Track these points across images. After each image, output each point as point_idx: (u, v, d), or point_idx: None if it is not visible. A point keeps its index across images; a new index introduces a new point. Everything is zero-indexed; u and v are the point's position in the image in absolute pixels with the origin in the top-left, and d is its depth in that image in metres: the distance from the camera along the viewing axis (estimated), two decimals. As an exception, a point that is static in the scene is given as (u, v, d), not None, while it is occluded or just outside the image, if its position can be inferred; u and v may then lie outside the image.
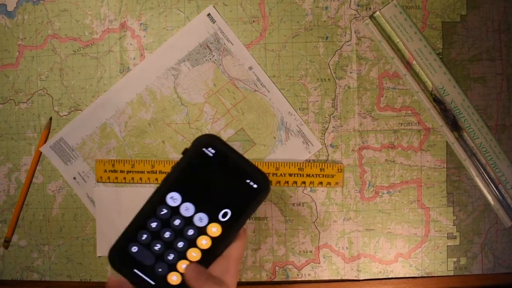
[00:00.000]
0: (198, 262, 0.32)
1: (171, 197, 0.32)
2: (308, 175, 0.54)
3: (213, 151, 0.31)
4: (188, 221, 0.32)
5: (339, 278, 0.55)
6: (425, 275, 0.55)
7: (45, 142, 0.56)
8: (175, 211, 0.32)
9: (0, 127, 0.57)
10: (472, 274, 0.55)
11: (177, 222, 0.32)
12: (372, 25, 0.53)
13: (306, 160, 0.54)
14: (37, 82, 0.56)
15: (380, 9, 0.53)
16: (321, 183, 0.54)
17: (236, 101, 0.54)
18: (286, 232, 0.55)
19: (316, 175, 0.54)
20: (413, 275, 0.55)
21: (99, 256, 0.56)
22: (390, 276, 0.55)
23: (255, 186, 0.31)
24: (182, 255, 0.32)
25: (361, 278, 0.55)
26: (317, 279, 0.55)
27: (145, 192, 0.55)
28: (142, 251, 0.32)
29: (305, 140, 0.54)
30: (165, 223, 0.32)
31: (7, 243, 0.57)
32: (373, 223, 0.54)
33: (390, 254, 0.55)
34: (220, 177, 0.31)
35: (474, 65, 0.53)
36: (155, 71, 0.54)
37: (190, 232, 0.32)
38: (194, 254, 0.32)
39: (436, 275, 0.55)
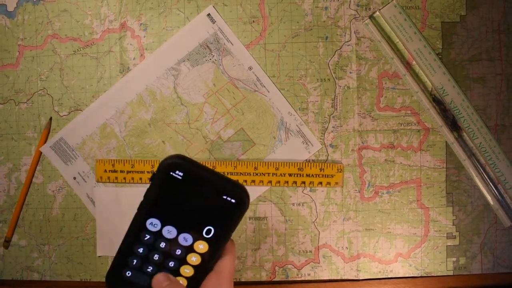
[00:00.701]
0: (192, 277, 0.32)
1: (151, 223, 0.31)
2: (307, 175, 0.54)
3: (180, 173, 0.30)
4: (173, 243, 0.31)
5: (338, 278, 0.55)
6: (425, 275, 0.55)
7: (45, 142, 0.56)
8: (158, 235, 0.31)
9: (0, 127, 0.57)
10: (472, 274, 0.55)
11: (162, 245, 0.31)
12: (372, 25, 0.53)
13: (306, 160, 0.54)
14: (37, 82, 0.56)
15: (379, 9, 0.53)
16: (320, 183, 0.54)
17: (236, 101, 0.54)
18: (286, 232, 0.55)
19: (316, 175, 0.54)
20: (412, 275, 0.55)
21: (99, 256, 0.56)
22: (389, 276, 0.55)
23: (233, 201, 0.30)
24: (175, 273, 0.32)
25: (360, 278, 0.55)
26: (317, 279, 0.55)
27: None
28: (136, 274, 0.32)
29: (304, 140, 0.54)
30: (151, 247, 0.32)
31: (7, 243, 0.57)
32: (373, 223, 0.55)
33: (390, 254, 0.55)
34: (195, 198, 0.30)
35: (473, 65, 0.53)
36: (155, 71, 0.54)
37: (178, 252, 0.32)
38: (187, 271, 0.32)
39: (435, 275, 0.55)
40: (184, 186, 0.30)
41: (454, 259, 0.55)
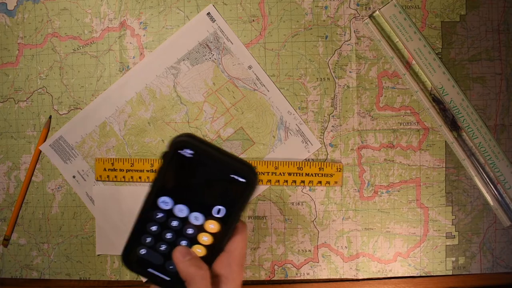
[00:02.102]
0: (204, 257, 0.32)
1: (163, 201, 0.31)
2: (307, 174, 0.54)
3: (190, 151, 0.30)
4: (184, 221, 0.32)
5: (338, 277, 0.55)
6: (424, 275, 0.55)
7: (44, 140, 0.56)
8: (169, 213, 0.32)
9: (0, 126, 0.57)
10: (471, 274, 0.55)
11: (174, 223, 0.32)
12: (372, 24, 0.53)
13: (305, 159, 0.54)
14: (37, 80, 0.56)
15: (379, 9, 0.53)
16: (320, 182, 0.54)
17: (236, 100, 0.54)
18: (285, 231, 0.55)
19: (315, 174, 0.54)
20: (412, 275, 0.55)
21: (98, 255, 0.56)
22: (389, 276, 0.55)
23: (242, 180, 0.30)
24: None
25: (360, 277, 0.55)
26: (316, 278, 0.55)
27: (145, 191, 0.55)
28: (150, 252, 0.33)
29: (304, 139, 0.54)
30: (164, 225, 0.32)
31: (6, 241, 0.57)
32: (372, 222, 0.54)
33: (389, 254, 0.55)
34: (205, 176, 0.31)
35: (473, 65, 0.53)
36: (155, 70, 0.54)
37: (190, 231, 0.32)
38: (199, 251, 0.32)
39: (434, 275, 0.55)
40: (194, 164, 0.30)
41: (453, 258, 0.55)
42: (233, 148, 0.55)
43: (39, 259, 0.57)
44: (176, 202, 0.31)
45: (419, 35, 0.53)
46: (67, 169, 0.56)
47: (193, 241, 0.32)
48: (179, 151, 0.30)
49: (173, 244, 0.32)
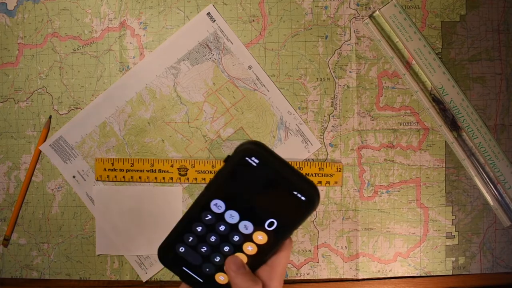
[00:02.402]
0: None
1: (215, 204, 0.31)
2: (307, 174, 0.54)
3: (256, 160, 0.29)
4: (233, 228, 0.31)
5: (338, 277, 0.55)
6: (424, 275, 0.55)
7: (44, 140, 0.56)
8: (219, 217, 0.31)
9: (0, 126, 0.57)
10: (471, 274, 0.55)
11: (222, 228, 0.31)
12: (372, 24, 0.53)
13: (305, 159, 0.54)
14: (37, 80, 0.56)
15: (379, 9, 0.53)
16: (320, 182, 0.54)
17: (236, 100, 0.54)
18: (285, 231, 0.55)
19: (315, 174, 0.54)
20: (411, 275, 0.55)
21: (98, 255, 0.56)
22: (389, 276, 0.55)
23: (302, 198, 0.29)
24: None
25: (360, 277, 0.55)
26: (316, 278, 0.55)
27: (145, 191, 0.55)
28: (189, 251, 0.32)
29: (304, 139, 0.54)
30: (210, 228, 0.31)
31: (6, 241, 0.57)
32: (372, 222, 0.55)
33: (389, 254, 0.55)
34: (265, 187, 0.30)
35: (473, 65, 0.53)
36: (155, 70, 0.54)
37: (236, 238, 0.31)
38: None
39: (434, 275, 0.55)
40: (257, 174, 0.29)
41: (453, 258, 0.55)
42: (233, 148, 0.54)
43: (39, 259, 0.57)
44: (228, 207, 0.31)
45: (419, 35, 0.53)
46: (67, 169, 0.56)
47: (236, 248, 0.31)
48: (246, 158, 0.29)
49: (215, 247, 0.32)
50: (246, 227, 0.31)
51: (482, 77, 0.54)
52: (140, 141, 0.55)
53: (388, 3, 0.53)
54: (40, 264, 0.57)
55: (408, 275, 0.55)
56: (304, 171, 0.54)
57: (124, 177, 0.55)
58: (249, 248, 0.31)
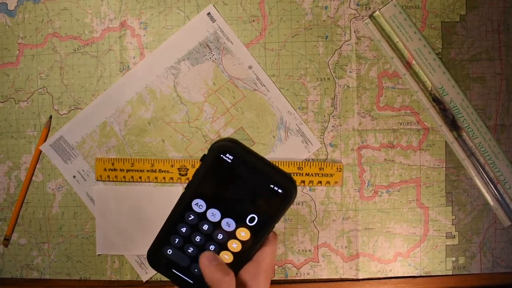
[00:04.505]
0: (231, 264, 0.32)
1: (196, 204, 0.31)
2: (307, 174, 0.54)
3: (231, 157, 0.29)
4: (216, 226, 0.31)
5: (338, 277, 0.55)
6: (424, 275, 0.55)
7: (45, 140, 0.56)
8: (202, 216, 0.31)
9: (0, 126, 0.57)
10: (471, 274, 0.55)
11: (205, 227, 0.31)
12: (372, 24, 0.53)
13: (306, 159, 0.54)
14: (37, 80, 0.56)
15: (379, 9, 0.53)
16: (320, 182, 0.54)
17: (236, 100, 0.54)
18: (285, 231, 0.55)
19: (316, 174, 0.54)
20: (412, 275, 0.55)
21: (98, 255, 0.56)
22: (389, 275, 0.55)
23: (280, 191, 0.30)
24: None
25: (360, 277, 0.55)
26: (316, 278, 0.55)
27: (145, 190, 0.55)
28: (177, 253, 0.32)
29: (304, 139, 0.54)
30: (194, 228, 0.32)
31: (7, 241, 0.57)
32: (372, 222, 0.55)
33: (389, 253, 0.55)
34: (242, 183, 0.30)
35: (473, 65, 0.53)
36: (155, 70, 0.55)
37: (220, 236, 0.31)
38: (226, 257, 0.32)
39: (434, 275, 0.55)
40: (233, 170, 0.30)
41: (454, 258, 0.55)
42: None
43: (39, 259, 0.57)
44: (209, 206, 0.31)
45: (419, 35, 0.53)
46: (67, 169, 0.56)
47: (222, 246, 0.32)
48: (220, 155, 0.29)
49: (201, 247, 0.32)
50: (228, 224, 0.31)
51: (482, 77, 0.54)
52: (140, 141, 0.55)
53: (388, 3, 0.53)
54: (41, 264, 0.57)
55: (408, 275, 0.55)
56: (304, 171, 0.54)
57: (124, 177, 0.55)
58: (234, 246, 0.31)
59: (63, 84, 0.56)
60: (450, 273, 0.55)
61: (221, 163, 0.30)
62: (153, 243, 0.33)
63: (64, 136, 0.56)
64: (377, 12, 0.53)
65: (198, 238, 0.32)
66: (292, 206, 0.54)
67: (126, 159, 0.55)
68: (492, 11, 0.53)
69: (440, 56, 0.53)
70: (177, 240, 0.32)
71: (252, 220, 0.31)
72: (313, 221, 0.55)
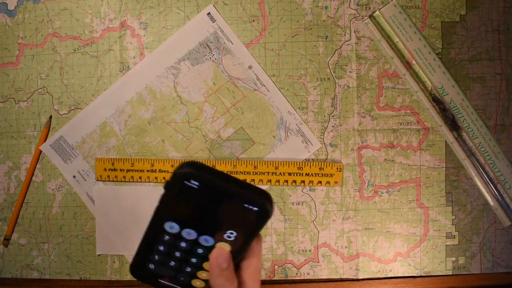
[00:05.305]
0: None
1: (170, 226, 0.30)
2: (307, 174, 0.54)
3: (196, 183, 0.28)
4: (194, 242, 0.30)
5: (338, 277, 0.55)
6: (424, 275, 0.55)
7: (45, 140, 0.56)
8: (177, 236, 0.30)
9: (0, 126, 0.57)
10: (471, 274, 0.55)
11: (183, 244, 0.31)
12: (372, 24, 0.53)
13: (306, 159, 0.54)
14: (37, 80, 0.56)
15: (379, 9, 0.53)
16: (320, 182, 0.54)
17: (236, 100, 0.54)
18: (285, 231, 0.55)
19: (315, 174, 0.54)
20: (412, 275, 0.55)
21: (98, 255, 0.56)
22: (389, 275, 0.55)
23: (255, 209, 0.28)
24: (199, 267, 0.32)
25: (360, 277, 0.55)
26: (316, 278, 0.55)
27: (145, 190, 0.55)
28: (160, 267, 0.32)
29: (304, 139, 0.54)
30: (172, 246, 0.31)
31: (7, 241, 0.57)
32: (372, 222, 0.55)
33: (389, 253, 0.55)
34: (214, 205, 0.29)
35: (473, 65, 0.53)
36: (155, 70, 0.55)
37: (200, 250, 0.31)
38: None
39: (434, 275, 0.55)
40: (202, 194, 0.28)
41: (454, 258, 0.55)
42: (233, 148, 0.55)
43: (39, 259, 0.57)
44: (183, 227, 0.30)
45: (419, 35, 0.53)
46: (67, 169, 0.56)
47: (203, 259, 0.31)
48: (185, 182, 0.28)
49: (183, 260, 0.31)
50: (206, 240, 0.30)
51: (482, 77, 0.54)
52: (140, 141, 0.55)
53: (388, 3, 0.53)
54: (41, 264, 0.57)
55: (408, 275, 0.55)
56: (304, 171, 0.54)
57: (124, 177, 0.55)
58: None
59: (63, 84, 0.56)
60: (450, 273, 0.55)
61: (187, 190, 0.28)
62: (134, 258, 0.32)
63: (64, 136, 0.56)
64: (377, 12, 0.53)
65: (178, 254, 0.31)
66: (292, 206, 0.54)
67: (126, 159, 0.55)
68: (492, 11, 0.53)
69: (440, 56, 0.53)
70: (157, 257, 0.31)
71: (230, 235, 0.30)
72: (313, 221, 0.55)
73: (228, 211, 0.29)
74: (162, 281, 0.32)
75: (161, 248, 0.31)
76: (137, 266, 0.32)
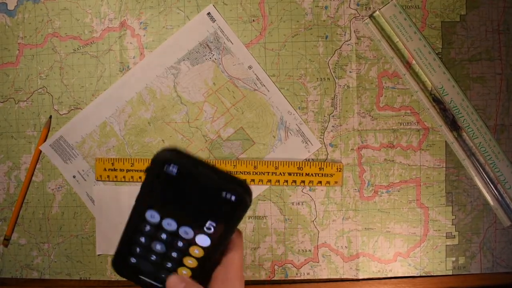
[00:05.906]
0: (195, 268, 0.31)
1: (150, 215, 0.30)
2: (307, 174, 0.54)
3: (175, 169, 0.28)
4: (174, 234, 0.30)
5: (338, 277, 0.55)
6: (424, 275, 0.55)
7: (45, 140, 0.56)
8: (158, 226, 0.30)
9: (0, 126, 0.57)
10: (471, 274, 0.55)
11: (163, 236, 0.31)
12: (372, 24, 0.53)
13: (306, 159, 0.54)
14: (37, 80, 0.56)
15: (379, 9, 0.53)
16: (320, 182, 0.54)
17: (236, 100, 0.54)
18: (285, 231, 0.55)
19: (315, 174, 0.54)
20: (412, 275, 0.55)
21: (98, 255, 0.56)
22: (389, 276, 0.55)
23: (232, 198, 0.28)
24: (179, 262, 0.32)
25: (360, 277, 0.55)
26: (316, 278, 0.55)
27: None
28: (141, 261, 0.32)
29: (304, 139, 0.54)
30: (153, 237, 0.31)
31: (7, 241, 0.57)
32: (372, 222, 0.55)
33: (389, 253, 0.55)
34: (192, 193, 0.29)
35: (473, 65, 0.53)
36: (155, 70, 0.55)
37: (180, 243, 0.31)
38: (190, 262, 0.31)
39: (434, 275, 0.55)
40: (180, 181, 0.28)
41: (454, 258, 0.55)
42: (233, 148, 0.55)
43: (39, 259, 0.57)
44: (163, 216, 0.30)
45: (419, 35, 0.53)
46: (67, 169, 0.56)
47: (184, 253, 0.31)
48: (164, 169, 0.28)
49: (163, 254, 0.31)
50: (186, 232, 0.30)
51: (482, 77, 0.54)
52: (140, 141, 0.55)
53: (388, 3, 0.53)
54: (40, 264, 0.57)
55: (408, 275, 0.55)
56: (304, 171, 0.54)
57: (124, 177, 0.55)
58: (196, 251, 0.31)
59: (63, 84, 0.56)
60: (450, 273, 0.55)
61: (166, 175, 0.28)
62: (115, 253, 0.32)
63: (64, 136, 0.56)
64: (377, 12, 0.53)
65: (158, 247, 0.31)
66: (292, 206, 0.54)
67: (126, 159, 0.55)
68: (492, 11, 0.53)
69: (440, 56, 0.53)
70: (138, 249, 0.31)
71: (209, 227, 0.29)
72: (313, 221, 0.55)
73: (206, 200, 0.29)
74: (143, 278, 0.32)
75: (142, 239, 0.31)
76: (119, 259, 0.32)
